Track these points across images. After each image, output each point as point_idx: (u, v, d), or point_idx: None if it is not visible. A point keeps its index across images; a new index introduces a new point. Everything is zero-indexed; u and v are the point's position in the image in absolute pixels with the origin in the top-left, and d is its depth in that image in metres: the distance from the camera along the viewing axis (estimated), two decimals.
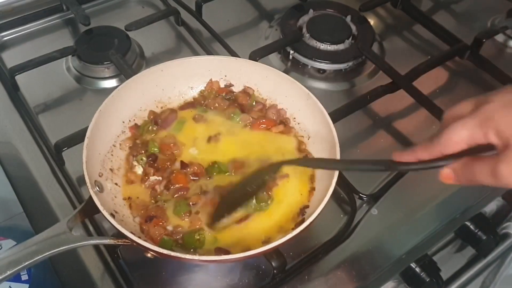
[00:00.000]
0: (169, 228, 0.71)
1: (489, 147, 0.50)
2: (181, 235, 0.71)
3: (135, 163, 0.77)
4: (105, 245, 0.76)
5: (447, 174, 0.55)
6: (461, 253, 1.07)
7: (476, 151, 0.51)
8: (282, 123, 0.84)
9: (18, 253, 0.58)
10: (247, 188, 0.72)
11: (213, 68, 0.85)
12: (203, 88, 0.87)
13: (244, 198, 0.72)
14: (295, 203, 0.75)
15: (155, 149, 0.79)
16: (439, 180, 0.56)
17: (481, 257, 1.00)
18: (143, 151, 0.78)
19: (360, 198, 0.83)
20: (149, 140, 0.80)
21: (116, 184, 0.75)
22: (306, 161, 0.76)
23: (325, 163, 0.73)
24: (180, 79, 0.85)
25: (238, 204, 0.72)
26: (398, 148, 0.93)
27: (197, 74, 0.86)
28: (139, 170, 0.77)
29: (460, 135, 0.51)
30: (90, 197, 0.65)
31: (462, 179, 0.54)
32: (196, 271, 0.76)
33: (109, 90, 0.79)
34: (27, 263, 0.57)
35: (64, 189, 0.82)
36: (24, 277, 1.35)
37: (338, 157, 0.72)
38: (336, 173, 0.69)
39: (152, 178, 0.76)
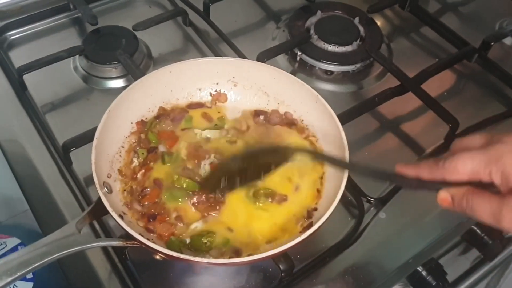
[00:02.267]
0: (173, 215, 0.72)
1: (490, 185, 0.51)
2: (189, 237, 0.71)
3: (134, 159, 0.78)
4: (113, 246, 0.76)
5: (444, 197, 0.55)
6: (466, 256, 1.07)
7: (476, 185, 0.52)
8: (293, 124, 0.84)
9: (28, 254, 0.58)
10: (258, 161, 0.72)
11: (221, 69, 0.85)
12: (211, 92, 0.87)
13: (254, 172, 0.72)
14: (301, 205, 0.75)
15: (154, 141, 0.79)
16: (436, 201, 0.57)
17: (486, 261, 1.00)
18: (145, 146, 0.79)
19: (368, 201, 0.83)
20: (149, 132, 0.80)
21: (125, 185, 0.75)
22: (318, 155, 0.76)
23: (336, 162, 0.71)
24: (188, 80, 0.85)
25: (249, 178, 0.72)
26: (405, 150, 0.94)
27: (205, 75, 0.85)
28: (135, 164, 0.78)
29: (465, 166, 0.52)
30: (99, 198, 0.65)
31: (458, 208, 0.54)
32: (204, 273, 0.76)
33: (117, 90, 0.79)
34: (37, 264, 0.57)
35: (71, 189, 0.82)
36: (29, 275, 1.35)
37: (347, 159, 0.72)
38: (345, 177, 0.69)
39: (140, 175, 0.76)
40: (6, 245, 1.41)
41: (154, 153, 0.78)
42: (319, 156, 0.75)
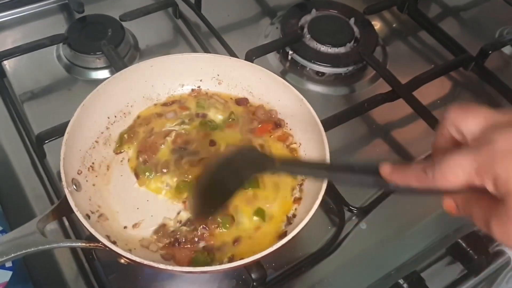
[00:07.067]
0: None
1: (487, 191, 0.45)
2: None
3: None
4: None
5: (449, 205, 0.50)
6: (450, 269, 1.04)
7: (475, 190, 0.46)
8: (278, 125, 0.81)
9: None
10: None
11: (206, 66, 0.82)
12: (193, 89, 0.84)
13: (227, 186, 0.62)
14: (279, 211, 0.73)
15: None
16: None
17: (471, 276, 0.98)
18: None
19: (350, 210, 0.80)
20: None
21: (93, 185, 0.72)
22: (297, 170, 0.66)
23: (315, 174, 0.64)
24: (171, 76, 0.82)
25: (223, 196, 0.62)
26: (394, 158, 0.91)
27: (188, 71, 0.82)
28: None
29: (456, 176, 0.45)
30: (65, 196, 0.62)
31: (462, 212, 0.49)
32: (174, 278, 0.73)
33: (100, 82, 0.76)
34: None
35: (43, 182, 0.79)
36: (8, 263, 1.33)
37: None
38: (324, 187, 0.66)
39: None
40: None
41: None
42: (297, 171, 0.67)
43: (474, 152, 0.44)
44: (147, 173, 0.74)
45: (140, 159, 0.75)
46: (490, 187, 0.44)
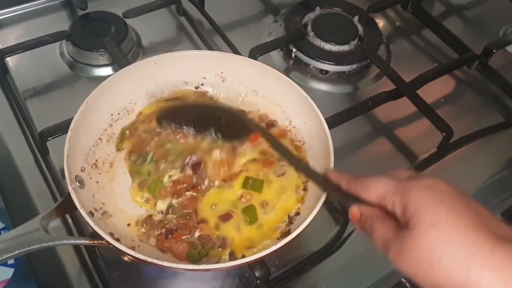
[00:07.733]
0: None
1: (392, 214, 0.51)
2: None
3: None
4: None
5: (354, 213, 0.55)
6: None
7: (386, 211, 0.52)
8: (271, 126, 0.81)
9: None
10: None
11: (209, 63, 0.82)
12: (196, 86, 0.84)
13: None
14: (282, 209, 0.73)
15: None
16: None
17: None
18: None
19: None
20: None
21: (97, 182, 0.71)
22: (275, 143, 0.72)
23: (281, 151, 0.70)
24: (174, 73, 0.81)
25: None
26: (397, 156, 0.91)
27: (192, 68, 0.82)
28: None
29: (377, 188, 0.52)
30: (69, 193, 0.62)
31: (361, 226, 0.54)
32: (178, 276, 0.73)
33: (103, 79, 0.76)
34: None
35: (46, 180, 0.79)
36: (10, 261, 1.33)
37: (331, 165, 0.69)
38: None
39: None
40: None
41: None
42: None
43: (400, 181, 0.51)
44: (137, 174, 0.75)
45: (132, 158, 0.75)
46: (398, 210, 0.49)
